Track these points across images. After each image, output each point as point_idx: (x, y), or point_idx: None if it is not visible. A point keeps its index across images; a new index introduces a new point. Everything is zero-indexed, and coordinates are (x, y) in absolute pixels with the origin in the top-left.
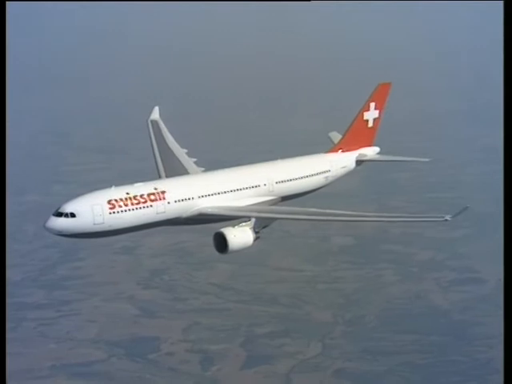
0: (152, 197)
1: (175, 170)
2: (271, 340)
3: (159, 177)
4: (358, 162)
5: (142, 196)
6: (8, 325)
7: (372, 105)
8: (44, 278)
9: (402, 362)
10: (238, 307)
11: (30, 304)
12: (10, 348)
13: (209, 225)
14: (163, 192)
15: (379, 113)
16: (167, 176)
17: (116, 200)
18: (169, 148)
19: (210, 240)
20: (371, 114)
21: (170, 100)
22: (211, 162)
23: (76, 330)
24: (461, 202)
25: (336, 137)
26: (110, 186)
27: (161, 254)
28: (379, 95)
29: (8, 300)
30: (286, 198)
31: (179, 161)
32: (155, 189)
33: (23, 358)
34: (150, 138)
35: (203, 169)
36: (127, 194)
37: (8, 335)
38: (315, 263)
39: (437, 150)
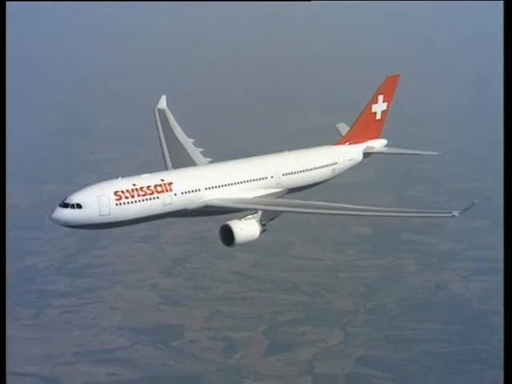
0: (159, 188)
1: (182, 160)
2: (293, 328)
3: (166, 167)
4: (366, 155)
5: (148, 187)
6: (30, 312)
7: (380, 97)
8: (67, 266)
9: (423, 351)
10: (261, 295)
11: (54, 291)
12: (33, 334)
13: (227, 214)
14: (170, 183)
15: (387, 105)
16: (174, 166)
17: (122, 191)
18: (175, 137)
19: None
20: (379, 107)
21: (180, 91)
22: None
23: (100, 317)
24: (481, 193)
25: (343, 128)
26: (117, 177)
27: (182, 243)
28: (388, 88)
29: (33, 287)
30: (292, 191)
31: (186, 151)
32: (162, 180)
33: (47, 344)
34: (157, 127)
35: (210, 159)
36: (134, 185)
37: (30, 322)
38: (336, 252)
39: (459, 140)
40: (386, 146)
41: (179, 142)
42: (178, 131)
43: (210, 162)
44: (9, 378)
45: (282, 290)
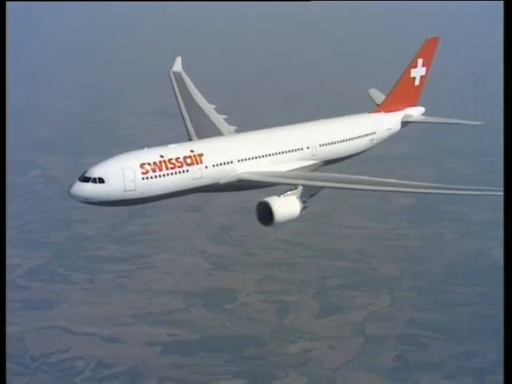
0: (188, 160)
1: (205, 128)
2: (342, 292)
3: (188, 136)
4: (403, 124)
5: (177, 159)
6: (84, 277)
7: (420, 61)
8: (115, 233)
9: (469, 313)
10: (308, 262)
11: (105, 257)
12: (90, 297)
13: (261, 189)
14: (200, 155)
15: (426, 70)
16: (198, 135)
17: (149, 163)
18: (196, 103)
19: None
20: (418, 71)
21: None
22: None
23: (152, 282)
24: None
25: (376, 94)
26: (143, 148)
27: (227, 212)
28: (427, 51)
29: (83, 253)
30: (328, 163)
31: (209, 118)
32: (191, 151)
33: (104, 307)
34: (174, 91)
35: (235, 127)
36: (161, 156)
37: (85, 286)
38: (378, 221)
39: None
40: (424, 114)
41: (200, 108)
42: (198, 96)
43: (236, 131)
44: (69, 337)
45: (329, 257)
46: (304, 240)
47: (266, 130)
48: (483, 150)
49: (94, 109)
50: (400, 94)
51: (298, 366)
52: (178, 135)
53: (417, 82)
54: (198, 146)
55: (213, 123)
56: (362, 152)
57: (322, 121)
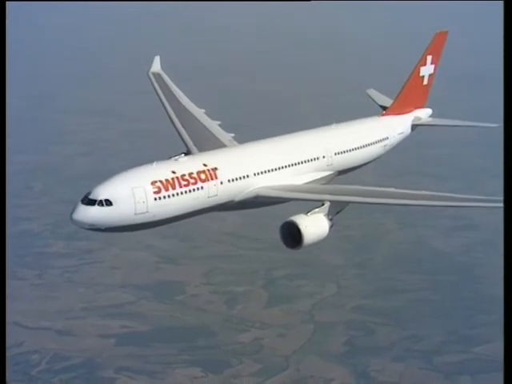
0: (202, 176)
1: (202, 137)
2: (290, 282)
3: (186, 145)
4: (413, 127)
5: (191, 175)
6: (32, 273)
7: (429, 58)
8: (61, 230)
9: (414, 299)
10: (254, 254)
11: (53, 253)
12: (40, 293)
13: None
14: (215, 169)
15: (434, 68)
16: (195, 144)
17: (161, 181)
18: (185, 108)
19: None
20: (427, 69)
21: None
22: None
23: (101, 276)
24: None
25: (375, 95)
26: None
27: None
28: (436, 47)
29: (30, 250)
30: (342, 173)
31: (203, 125)
32: (205, 165)
33: (54, 301)
34: (158, 94)
35: (232, 134)
36: (173, 172)
37: (34, 281)
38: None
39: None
40: (431, 116)
41: (190, 113)
42: (185, 100)
43: (234, 138)
44: (23, 331)
45: (274, 249)
46: (249, 233)
47: (277, 139)
48: None
49: (29, 106)
50: (409, 95)
51: (251, 354)
52: (117, 134)
53: (425, 82)
54: (211, 159)
55: (209, 131)
56: (374, 160)
57: (333, 126)
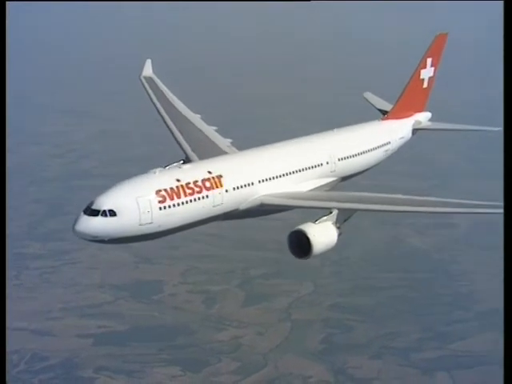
0: (207, 184)
1: (200, 142)
2: (266, 280)
3: (184, 151)
4: (413, 131)
5: (195, 183)
6: (10, 273)
7: (429, 61)
8: (36, 231)
9: (391, 296)
10: (231, 253)
11: (30, 254)
12: (16, 293)
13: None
14: (219, 177)
15: (434, 71)
16: (193, 150)
17: (166, 190)
18: (180, 113)
19: None
20: (427, 72)
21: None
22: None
23: (79, 277)
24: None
25: (372, 98)
26: (154, 171)
27: None
28: (436, 49)
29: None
30: (345, 179)
31: (200, 131)
32: (209, 172)
33: (32, 302)
34: (151, 99)
35: (231, 140)
36: (178, 180)
37: (12, 282)
38: (298, 212)
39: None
40: (430, 120)
41: (186, 118)
42: (181, 105)
43: (232, 144)
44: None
45: (250, 248)
46: (225, 233)
47: (280, 145)
48: None
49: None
50: (410, 98)
51: (230, 353)
52: (89, 134)
53: (425, 85)
54: (215, 166)
55: (206, 136)
56: (375, 165)
57: (335, 131)
